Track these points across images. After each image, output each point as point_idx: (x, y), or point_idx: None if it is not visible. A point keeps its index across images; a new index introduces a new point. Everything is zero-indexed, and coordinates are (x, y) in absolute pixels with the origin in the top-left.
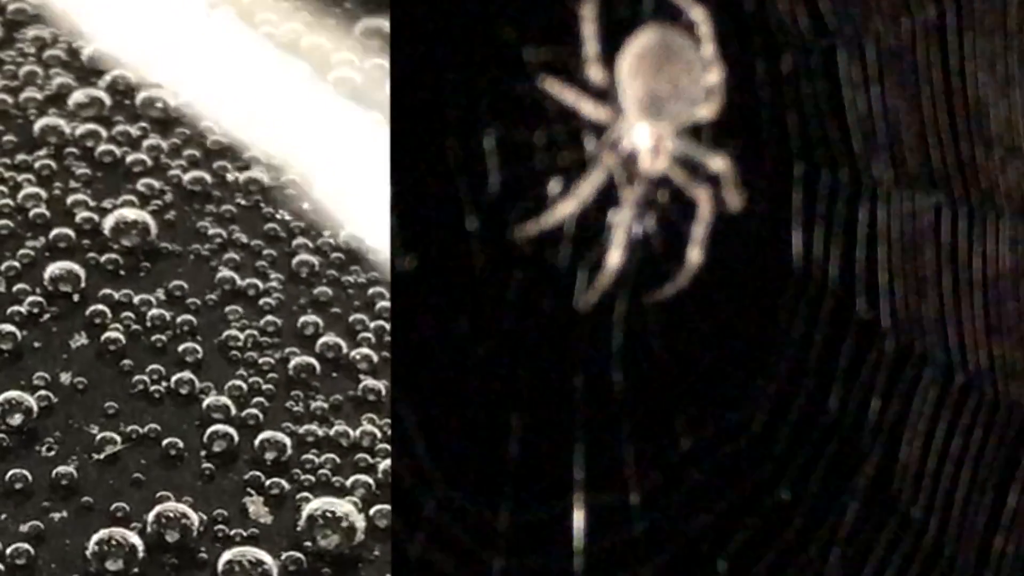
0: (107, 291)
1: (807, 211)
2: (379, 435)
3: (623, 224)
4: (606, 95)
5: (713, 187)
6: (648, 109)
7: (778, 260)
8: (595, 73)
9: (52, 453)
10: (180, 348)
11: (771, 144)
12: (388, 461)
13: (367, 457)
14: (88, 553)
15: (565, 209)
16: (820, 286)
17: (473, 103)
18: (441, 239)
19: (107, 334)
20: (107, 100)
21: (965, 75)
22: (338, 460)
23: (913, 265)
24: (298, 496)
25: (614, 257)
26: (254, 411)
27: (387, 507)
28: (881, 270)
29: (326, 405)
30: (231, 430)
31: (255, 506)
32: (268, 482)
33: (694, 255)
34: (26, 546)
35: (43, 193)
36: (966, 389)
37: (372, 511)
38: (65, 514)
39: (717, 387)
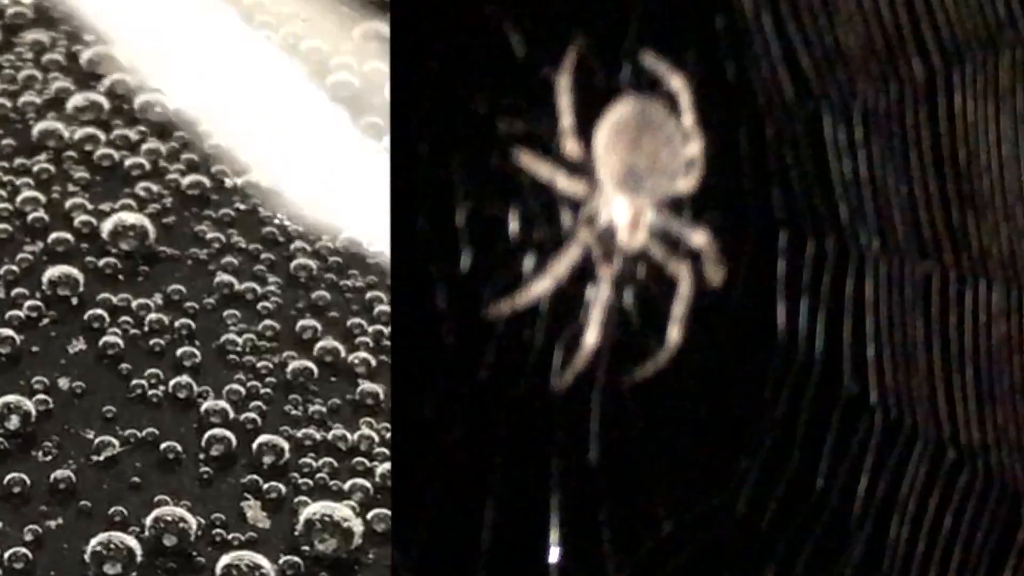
0: (105, 295)
1: (792, 282)
2: (377, 439)
3: (600, 302)
4: (583, 168)
5: (694, 262)
6: (626, 183)
7: (762, 333)
8: (570, 146)
9: (50, 457)
10: (178, 352)
11: (755, 213)
12: (386, 465)
13: (365, 461)
14: (86, 557)
15: (540, 287)
16: (806, 359)
17: (447, 177)
18: (414, 317)
19: (105, 338)
20: (106, 104)
21: (955, 138)
22: (336, 464)
23: (902, 336)
24: (296, 500)
25: (591, 336)
26: (252, 415)
27: (385, 511)
28: (869, 342)
29: (324, 409)
30: (229, 434)
31: (253, 511)
32: (266, 486)
33: (674, 334)
34: (24, 550)
35: (41, 197)
36: (958, 465)
37: (370, 515)
38: (63, 518)
39: (700, 467)
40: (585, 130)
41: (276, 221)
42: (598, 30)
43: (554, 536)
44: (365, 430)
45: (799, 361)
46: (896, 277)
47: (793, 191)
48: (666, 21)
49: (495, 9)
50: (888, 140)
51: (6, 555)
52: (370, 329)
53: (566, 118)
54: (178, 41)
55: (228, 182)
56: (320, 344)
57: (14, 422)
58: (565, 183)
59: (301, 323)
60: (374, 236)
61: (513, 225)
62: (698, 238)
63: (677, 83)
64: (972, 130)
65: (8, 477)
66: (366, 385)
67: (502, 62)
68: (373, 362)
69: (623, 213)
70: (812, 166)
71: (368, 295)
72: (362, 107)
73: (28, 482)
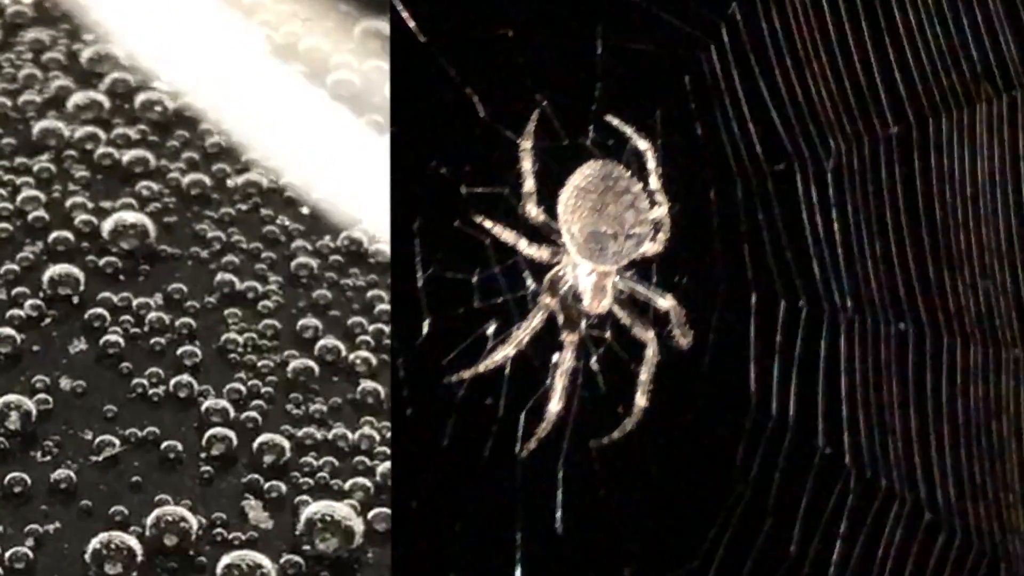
0: (106, 294)
1: (764, 343)
2: (378, 438)
3: (564, 370)
4: (546, 232)
5: (662, 326)
6: (590, 248)
7: (734, 396)
8: (532, 210)
9: (51, 457)
10: (179, 351)
11: (725, 275)
12: (387, 464)
13: (366, 460)
14: (87, 557)
15: (502, 353)
16: (779, 422)
17: (406, 240)
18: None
19: (106, 337)
20: (106, 103)
21: (931, 195)
22: (337, 463)
23: (877, 397)
24: (297, 499)
25: (554, 404)
26: (253, 414)
27: (386, 511)
28: (843, 403)
29: (325, 408)
30: (230, 433)
31: (255, 511)
32: (267, 485)
33: (640, 400)
34: (25, 550)
35: (42, 196)
36: (934, 527)
37: (371, 514)
38: (64, 518)
39: (670, 533)
40: (549, 194)
41: (277, 220)
42: (563, 92)
43: None
44: (366, 429)
45: (772, 424)
46: (871, 337)
47: (764, 252)
48: (633, 81)
49: (457, 72)
50: (862, 198)
51: (7, 555)
52: (371, 328)
53: (528, 182)
54: (178, 40)
55: (228, 181)
56: (321, 343)
57: (15, 421)
58: (528, 248)
59: (302, 322)
60: (375, 235)
61: (476, 289)
62: (665, 302)
63: (642, 145)
64: (948, 186)
65: (8, 477)
66: (367, 384)
67: (466, 124)
68: (374, 361)
69: (588, 278)
70: (784, 226)
71: (369, 294)
72: (362, 105)
73: (29, 481)
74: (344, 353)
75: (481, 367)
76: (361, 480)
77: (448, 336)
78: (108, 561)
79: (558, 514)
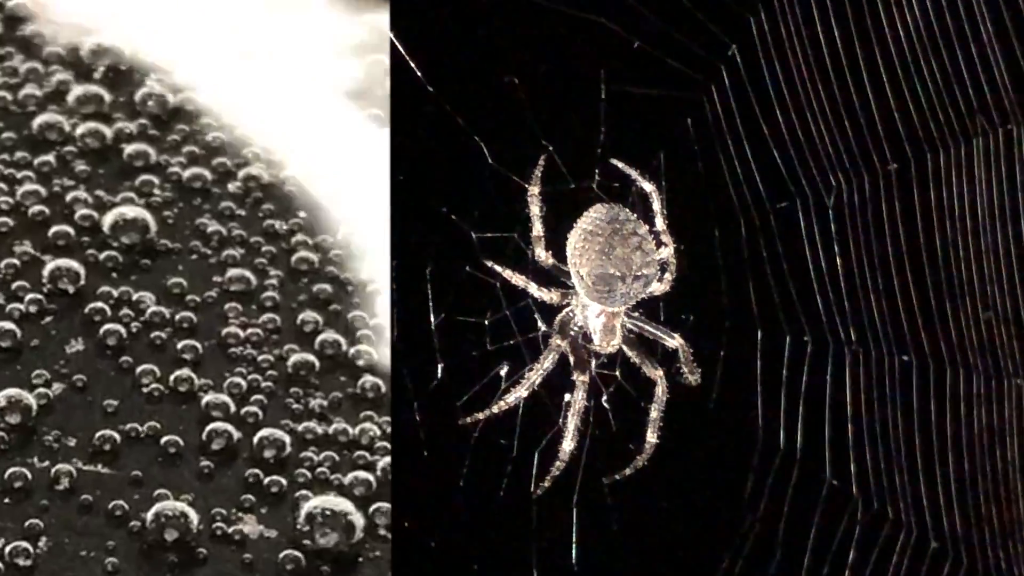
0: (106, 288)
1: (770, 378)
2: (379, 433)
3: (576, 409)
4: (555, 275)
5: (670, 364)
6: (599, 290)
7: (742, 430)
8: (541, 254)
9: (51, 451)
10: (179, 345)
11: (731, 309)
12: (387, 458)
13: (366, 455)
14: (87, 551)
15: (515, 395)
16: (786, 455)
17: (418, 284)
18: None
19: (106, 331)
20: (106, 97)
21: (931, 228)
22: (337, 458)
23: (882, 428)
24: (297, 494)
25: (567, 443)
26: (253, 408)
27: (387, 505)
28: (849, 435)
29: (325, 402)
30: (230, 428)
31: (250, 525)
32: (267, 480)
33: (651, 438)
34: (25, 544)
35: (42, 190)
36: (941, 555)
37: (371, 509)
38: (64, 513)
39: (682, 567)
40: (557, 238)
41: (277, 214)
42: (569, 137)
43: None
44: (366, 424)
45: (780, 457)
46: (875, 369)
47: (769, 288)
48: (637, 125)
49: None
50: (864, 233)
51: (7, 549)
52: (371, 322)
53: (536, 227)
54: (179, 34)
55: (229, 175)
56: (321, 337)
57: (15, 416)
58: (538, 291)
59: (302, 316)
60: (376, 229)
61: (487, 330)
62: (672, 341)
63: (647, 187)
64: (948, 220)
65: (9, 471)
66: (367, 378)
67: (477, 171)
68: (374, 355)
69: (597, 319)
70: (787, 262)
71: (369, 288)
72: (364, 100)
73: (29, 476)
74: (344, 347)
75: (495, 408)
76: (362, 474)
77: (460, 376)
78: (108, 555)
79: (573, 550)
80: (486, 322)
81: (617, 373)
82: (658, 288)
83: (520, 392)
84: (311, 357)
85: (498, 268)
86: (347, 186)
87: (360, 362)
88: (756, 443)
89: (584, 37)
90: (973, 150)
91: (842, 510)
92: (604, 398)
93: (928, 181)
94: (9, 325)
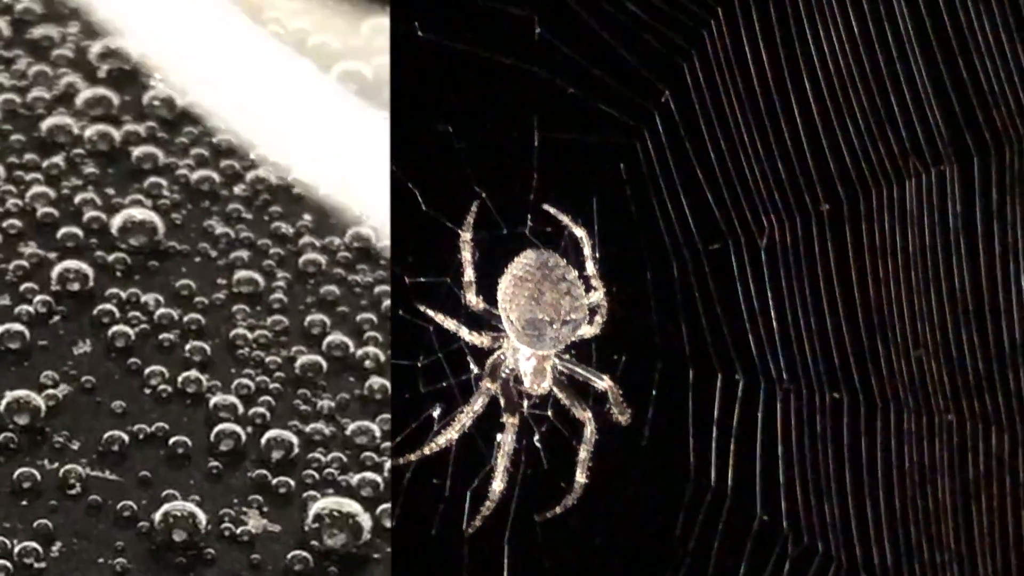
0: (114, 290)
1: (701, 416)
2: (385, 433)
3: (506, 451)
4: (486, 319)
5: (600, 405)
6: (528, 334)
7: (673, 467)
8: (472, 299)
9: (60, 452)
10: (187, 347)
11: (663, 351)
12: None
13: (374, 456)
14: (96, 552)
15: (445, 437)
16: (717, 490)
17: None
18: None
19: (114, 333)
20: (115, 99)
21: (863, 267)
22: (345, 459)
23: (813, 464)
24: (305, 495)
25: (497, 483)
26: (261, 410)
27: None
28: (780, 471)
29: (333, 404)
30: (238, 429)
31: (254, 520)
32: (275, 481)
33: (580, 478)
34: (35, 544)
35: (51, 193)
36: None
37: (378, 510)
38: (73, 513)
39: None
40: (488, 283)
41: (284, 216)
42: (502, 183)
43: None
44: (374, 425)
45: (711, 493)
46: (806, 407)
47: (701, 328)
48: (569, 170)
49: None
50: (796, 273)
51: (16, 549)
52: (378, 324)
53: (468, 272)
54: (187, 37)
55: (236, 177)
56: (329, 339)
57: (24, 417)
58: (469, 335)
59: (310, 318)
60: (382, 231)
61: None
62: (601, 383)
63: (578, 232)
64: (880, 259)
65: (18, 472)
66: (374, 380)
67: (409, 214)
68: (382, 357)
69: (528, 362)
70: (719, 303)
71: (376, 290)
72: (370, 103)
73: (38, 477)
74: (352, 349)
75: (426, 450)
76: (369, 475)
77: (394, 418)
78: (117, 555)
79: None
80: (419, 364)
81: (549, 413)
82: (588, 331)
83: (450, 434)
84: (319, 358)
85: (430, 312)
86: (354, 189)
87: (367, 364)
88: (688, 479)
89: (518, 84)
90: (906, 190)
91: (772, 545)
92: (536, 437)
93: (860, 221)
94: (18, 327)
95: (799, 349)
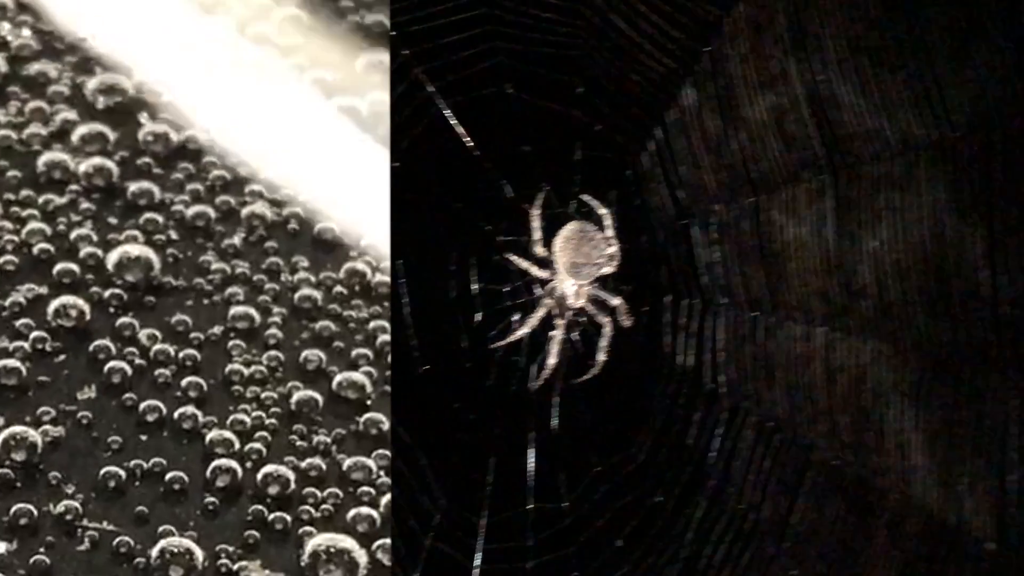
0: (110, 326)
1: (674, 325)
2: (382, 469)
3: (557, 339)
4: (546, 262)
5: (613, 314)
6: (572, 271)
7: (655, 356)
8: (539, 249)
9: (56, 488)
10: (183, 383)
11: (651, 284)
12: (390, 496)
13: (370, 491)
14: None
15: (522, 331)
16: (682, 371)
17: (464, 264)
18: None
19: (110, 369)
20: (111, 135)
21: (773, 238)
22: (341, 494)
23: (742, 356)
24: (301, 531)
25: (551, 359)
26: (257, 445)
27: (388, 541)
28: (723, 358)
29: (329, 439)
30: (234, 464)
31: (256, 573)
32: (271, 517)
33: (600, 357)
34: None
35: (47, 229)
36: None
37: (374, 546)
38: (69, 550)
39: (612, 432)
40: (548, 240)
41: (280, 252)
42: (556, 180)
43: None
44: (370, 460)
45: (678, 372)
46: (738, 322)
47: (673, 271)
48: (596, 173)
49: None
50: (733, 240)
51: None
52: (374, 359)
53: (536, 233)
54: (185, 72)
55: (232, 213)
56: (325, 374)
57: (21, 453)
58: (536, 271)
59: (305, 353)
60: (378, 266)
61: (507, 294)
62: (615, 300)
63: (603, 211)
64: (785, 234)
65: (14, 508)
66: (371, 415)
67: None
68: (378, 391)
69: (571, 288)
70: (686, 256)
71: (372, 325)
72: (367, 137)
73: (35, 513)
74: (347, 384)
75: (512, 338)
76: (365, 511)
77: (491, 322)
78: None
79: (553, 419)
80: (505, 289)
81: (582, 320)
82: (607, 270)
83: (525, 329)
84: (315, 394)
85: (513, 258)
86: (351, 224)
87: (364, 399)
88: (664, 364)
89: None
90: (799, 191)
91: (716, 405)
92: (575, 334)
93: (772, 211)
94: (14, 363)
95: (735, 286)
